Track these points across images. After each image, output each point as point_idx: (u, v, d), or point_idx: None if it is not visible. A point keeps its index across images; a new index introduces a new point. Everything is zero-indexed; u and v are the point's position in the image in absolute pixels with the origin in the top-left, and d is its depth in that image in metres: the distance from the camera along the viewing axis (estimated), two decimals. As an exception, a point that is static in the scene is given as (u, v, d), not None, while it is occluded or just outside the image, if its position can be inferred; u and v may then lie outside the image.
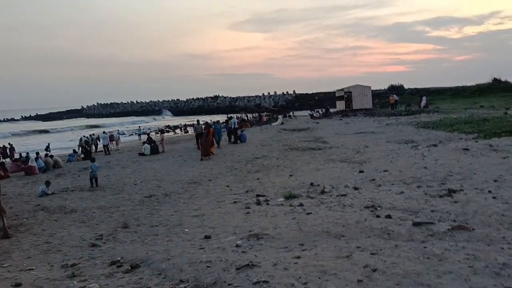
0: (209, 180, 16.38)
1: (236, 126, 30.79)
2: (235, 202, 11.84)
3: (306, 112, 61.74)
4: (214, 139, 25.49)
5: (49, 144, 38.22)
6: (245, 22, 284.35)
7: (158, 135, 44.52)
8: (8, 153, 31.58)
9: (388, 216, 8.26)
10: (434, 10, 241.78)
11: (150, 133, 45.37)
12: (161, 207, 12.30)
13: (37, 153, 25.10)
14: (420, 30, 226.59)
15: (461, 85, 70.43)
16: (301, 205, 10.30)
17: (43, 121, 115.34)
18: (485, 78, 62.96)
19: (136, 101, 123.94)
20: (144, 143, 29.14)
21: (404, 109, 42.25)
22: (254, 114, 62.13)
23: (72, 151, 30.55)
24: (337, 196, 11.03)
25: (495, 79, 58.58)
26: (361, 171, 14.35)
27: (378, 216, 8.39)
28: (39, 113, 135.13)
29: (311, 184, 13.08)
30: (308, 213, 9.32)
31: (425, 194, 10.11)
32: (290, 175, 15.55)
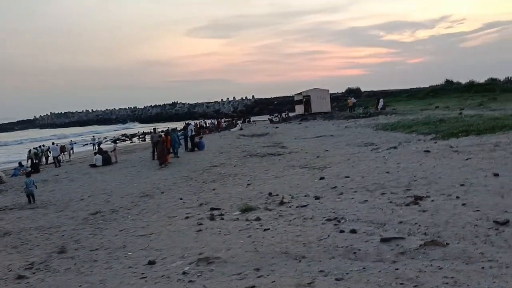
0: (162, 192, 15.27)
1: (193, 133, 29.65)
2: (187, 217, 10.78)
3: (266, 117, 61.17)
4: (172, 147, 24.29)
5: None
6: (202, 28, 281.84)
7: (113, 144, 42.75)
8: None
9: (353, 231, 7.39)
10: (387, 15, 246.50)
11: (103, 143, 43.63)
12: (106, 226, 11.11)
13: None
14: (375, 34, 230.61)
15: (415, 87, 71.77)
16: (258, 219, 9.35)
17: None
18: (438, 80, 64.27)
19: (92, 110, 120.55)
20: (95, 153, 27.58)
21: (362, 112, 42.19)
22: (212, 120, 60.95)
23: (17, 165, 28.53)
24: (297, 207, 10.14)
25: (447, 81, 59.86)
26: (321, 178, 13.56)
27: (342, 231, 7.51)
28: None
29: (270, 194, 12.18)
30: (265, 229, 8.37)
31: (390, 202, 9.34)
32: (248, 185, 14.62)
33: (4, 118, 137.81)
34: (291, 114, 56.44)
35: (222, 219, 10.03)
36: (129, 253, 8.29)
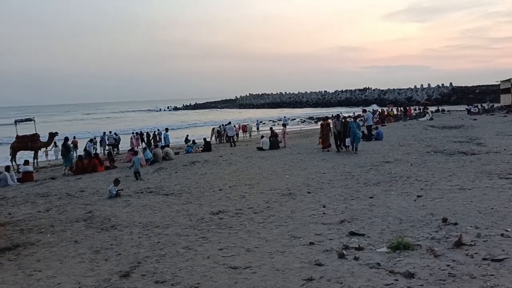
0: (309, 192, 11.93)
1: (371, 122, 25.57)
2: (311, 243, 7.22)
3: (463, 107, 52.83)
4: (351, 139, 20.36)
5: (187, 135, 36.96)
6: (400, 12, 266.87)
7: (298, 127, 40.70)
8: (134, 142, 30.28)
9: None
10: None
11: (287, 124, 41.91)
12: (213, 236, 8.23)
13: (149, 145, 23.07)
14: None
15: None
16: (409, 276, 5.37)
17: (200, 109, 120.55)
18: None
19: (286, 92, 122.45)
20: (262, 136, 25.53)
21: None
22: (400, 108, 54.88)
23: (191, 142, 28.20)
24: (484, 259, 5.78)
25: None
26: (533, 202, 8.64)
27: None
28: (198, 102, 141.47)
29: (444, 220, 7.85)
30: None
31: None
32: (418, 196, 10.33)
33: (210, 97, 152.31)
34: (495, 105, 47.46)
35: (356, 258, 6.25)
36: (189, 305, 5.20)
